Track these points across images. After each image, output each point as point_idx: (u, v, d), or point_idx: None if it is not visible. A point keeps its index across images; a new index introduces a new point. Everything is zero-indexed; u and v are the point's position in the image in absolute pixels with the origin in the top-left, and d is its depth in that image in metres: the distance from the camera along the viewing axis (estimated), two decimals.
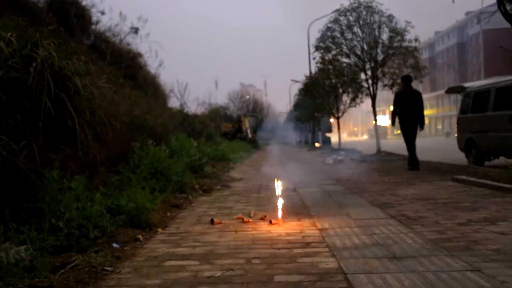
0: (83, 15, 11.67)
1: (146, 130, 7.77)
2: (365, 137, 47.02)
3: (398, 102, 9.87)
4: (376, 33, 17.31)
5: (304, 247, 3.55)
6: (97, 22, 12.77)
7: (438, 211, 4.84)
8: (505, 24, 7.46)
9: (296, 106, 39.55)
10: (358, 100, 19.53)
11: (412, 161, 9.91)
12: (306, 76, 28.46)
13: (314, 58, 19.62)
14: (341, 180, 8.32)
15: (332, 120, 28.98)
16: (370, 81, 17.53)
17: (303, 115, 34.20)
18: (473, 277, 2.65)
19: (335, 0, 19.03)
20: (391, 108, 10.39)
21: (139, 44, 15.45)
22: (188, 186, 7.28)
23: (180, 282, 2.79)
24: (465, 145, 11.20)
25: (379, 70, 17.25)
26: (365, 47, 17.34)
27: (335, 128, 27.69)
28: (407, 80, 10.23)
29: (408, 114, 9.79)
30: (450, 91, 13.61)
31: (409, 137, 9.98)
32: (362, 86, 18.20)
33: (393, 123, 10.29)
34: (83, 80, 4.87)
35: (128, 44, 13.26)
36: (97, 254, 3.41)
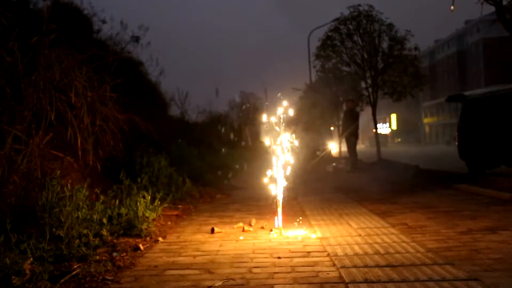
0: (85, 24, 11.72)
1: (147, 138, 7.77)
2: (363, 145, 46.81)
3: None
4: (376, 41, 17.37)
5: (305, 256, 3.54)
6: (98, 31, 12.81)
7: (439, 220, 4.83)
8: (505, 33, 7.49)
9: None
10: (358, 109, 19.54)
11: (356, 166, 12.37)
12: (306, 84, 28.50)
13: (314, 67, 19.69)
14: (341, 189, 8.31)
15: (332, 128, 28.97)
16: (370, 89, 17.56)
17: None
18: (475, 286, 2.64)
19: (335, 8, 19.10)
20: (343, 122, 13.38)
21: (140, 53, 15.49)
22: (188, 195, 7.28)
23: None
24: (466, 153, 11.18)
25: (379, 78, 17.28)
26: (365, 55, 17.39)
27: (335, 136, 27.69)
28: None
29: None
30: (450, 99, 13.60)
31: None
32: (363, 94, 18.23)
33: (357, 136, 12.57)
34: (83, 89, 4.89)
35: (129, 52, 13.29)
36: (98, 263, 3.40)
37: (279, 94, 4.74)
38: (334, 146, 24.78)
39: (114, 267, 3.35)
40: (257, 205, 6.43)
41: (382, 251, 3.58)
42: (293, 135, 4.75)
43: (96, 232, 4.04)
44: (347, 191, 7.90)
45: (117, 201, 4.89)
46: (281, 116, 4.71)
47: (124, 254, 3.75)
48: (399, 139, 68.52)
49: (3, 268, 2.83)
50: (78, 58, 5.08)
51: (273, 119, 4.72)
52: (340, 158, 20.64)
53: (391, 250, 3.59)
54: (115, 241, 4.13)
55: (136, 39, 13.42)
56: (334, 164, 15.14)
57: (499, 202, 5.85)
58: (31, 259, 3.12)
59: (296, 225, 4.76)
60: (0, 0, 4.62)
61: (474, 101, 11.29)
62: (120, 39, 13.20)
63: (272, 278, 2.99)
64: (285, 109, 4.73)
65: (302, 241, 4.08)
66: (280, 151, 4.70)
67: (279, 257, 3.53)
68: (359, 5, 17.39)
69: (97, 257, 3.57)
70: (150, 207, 4.91)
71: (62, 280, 2.97)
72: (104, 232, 4.13)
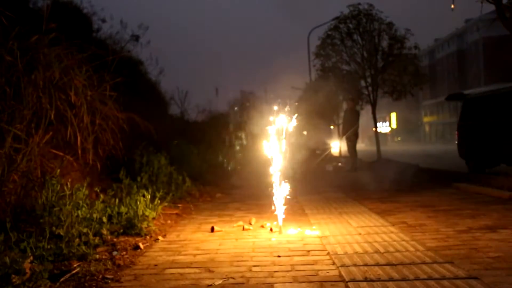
0: (84, 23, 11.70)
1: (147, 137, 7.77)
2: (363, 144, 46.59)
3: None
4: (376, 40, 17.36)
5: (305, 255, 3.54)
6: (98, 30, 12.80)
7: (439, 219, 4.83)
8: (505, 31, 7.49)
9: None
10: (358, 107, 19.53)
11: (356, 165, 12.39)
12: (306, 83, 28.50)
13: (314, 66, 19.69)
14: (341, 187, 8.31)
15: (332, 127, 28.97)
16: (370, 88, 17.55)
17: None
18: (474, 285, 2.64)
19: (335, 7, 19.08)
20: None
21: (139, 52, 15.49)
22: (188, 194, 7.28)
23: None
24: (465, 152, 11.19)
25: (379, 77, 17.27)
26: (365, 54, 17.38)
27: (335, 135, 27.69)
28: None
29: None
30: (450, 98, 13.62)
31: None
32: (362, 93, 18.22)
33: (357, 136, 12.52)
34: (83, 88, 4.89)
35: (129, 51, 13.28)
36: (98, 262, 3.40)
37: (286, 91, 4.76)
38: (335, 145, 24.79)
39: (114, 266, 3.35)
40: (257, 204, 6.44)
41: (382, 249, 3.58)
42: (304, 132, 4.77)
43: (96, 231, 4.04)
44: (347, 190, 7.91)
45: (117, 200, 4.89)
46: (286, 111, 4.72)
47: (124, 253, 3.76)
48: (399, 138, 68.50)
49: (3, 267, 2.83)
50: (77, 57, 5.08)
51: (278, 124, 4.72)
52: (340, 157, 20.65)
53: (391, 249, 3.59)
54: (115, 240, 4.14)
55: (135, 38, 13.42)
56: (334, 163, 15.15)
57: (499, 201, 5.85)
58: (31, 258, 3.12)
59: (296, 223, 4.76)
60: None
61: (474, 100, 11.30)
62: (120, 38, 13.20)
63: (272, 276, 2.99)
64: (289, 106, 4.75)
65: (302, 240, 4.08)
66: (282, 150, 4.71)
67: (279, 256, 3.53)
68: (359, 4, 17.39)
69: (97, 256, 3.57)
70: (150, 206, 4.91)
71: (62, 279, 2.97)
72: (104, 231, 4.14)
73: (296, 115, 4.70)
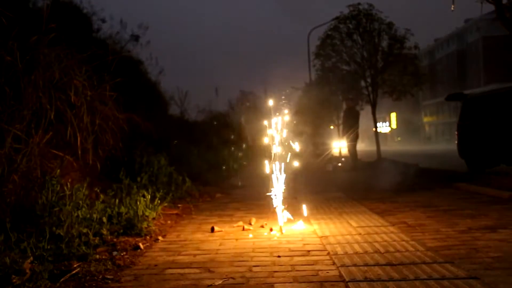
0: (84, 23, 11.71)
1: (147, 137, 7.77)
2: (363, 144, 46.46)
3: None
4: (376, 40, 17.36)
5: (305, 255, 3.54)
6: (98, 30, 12.81)
7: (439, 219, 4.83)
8: (505, 31, 7.49)
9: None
10: (358, 107, 19.54)
11: (356, 165, 12.53)
12: (306, 83, 28.52)
13: (314, 66, 19.72)
14: (341, 187, 8.31)
15: (332, 127, 28.98)
16: (370, 88, 17.56)
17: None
18: (474, 285, 2.64)
19: (335, 7, 19.10)
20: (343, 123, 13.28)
21: (139, 52, 15.49)
22: (188, 194, 7.28)
23: None
24: (465, 152, 11.18)
25: (379, 77, 17.27)
26: (365, 54, 17.38)
27: (335, 136, 27.70)
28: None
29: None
30: (450, 98, 13.59)
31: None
32: (362, 93, 18.22)
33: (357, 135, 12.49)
34: (83, 88, 4.89)
35: (129, 51, 13.28)
36: (98, 262, 3.40)
37: (283, 95, 4.77)
38: (335, 145, 24.80)
39: (114, 266, 3.35)
40: (257, 204, 6.43)
41: (382, 249, 3.58)
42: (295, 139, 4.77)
43: (96, 231, 4.04)
44: (347, 190, 7.90)
45: (117, 200, 4.89)
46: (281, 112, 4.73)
47: (124, 253, 3.76)
48: (399, 138, 68.50)
49: (3, 267, 2.83)
50: (77, 57, 5.08)
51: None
52: (340, 157, 20.64)
53: (391, 249, 3.59)
54: (115, 240, 4.14)
55: (135, 38, 13.44)
56: (334, 163, 15.14)
57: (499, 201, 5.85)
58: (31, 258, 3.13)
59: (296, 224, 4.76)
60: None
61: (474, 100, 11.29)
62: (120, 38, 13.22)
63: (272, 276, 2.99)
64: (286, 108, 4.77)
65: (302, 240, 4.08)
66: (280, 149, 4.72)
67: (279, 256, 3.53)
68: (359, 3, 17.40)
69: (97, 256, 3.57)
70: (150, 206, 4.91)
71: (62, 279, 2.98)
72: (104, 231, 4.14)
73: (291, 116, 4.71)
